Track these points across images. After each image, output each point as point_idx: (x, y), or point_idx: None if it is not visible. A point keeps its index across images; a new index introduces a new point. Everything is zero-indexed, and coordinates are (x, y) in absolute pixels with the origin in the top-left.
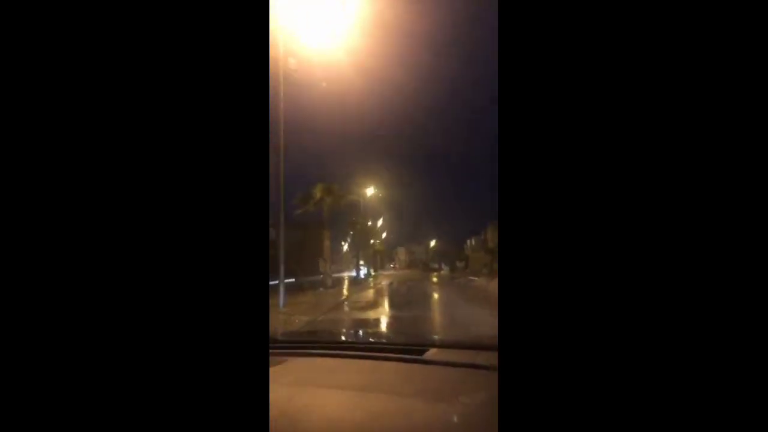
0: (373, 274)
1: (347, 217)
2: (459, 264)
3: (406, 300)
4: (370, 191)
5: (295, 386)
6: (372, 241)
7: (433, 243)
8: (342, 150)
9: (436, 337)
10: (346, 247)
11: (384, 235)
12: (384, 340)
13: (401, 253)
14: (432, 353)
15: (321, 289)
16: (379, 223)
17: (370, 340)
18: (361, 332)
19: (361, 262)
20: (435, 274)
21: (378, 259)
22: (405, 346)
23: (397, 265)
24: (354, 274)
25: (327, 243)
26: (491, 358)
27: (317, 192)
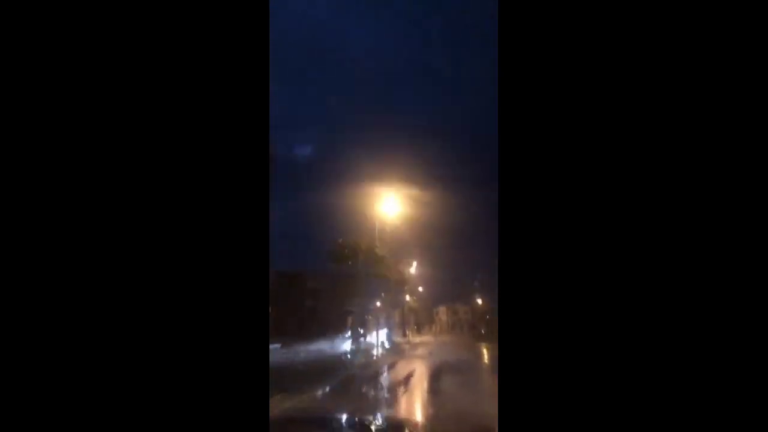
0: (396, 341)
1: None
2: None
3: None
4: (390, 207)
5: None
6: (407, 298)
7: (480, 301)
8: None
9: None
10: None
11: (420, 289)
12: None
13: (442, 313)
14: None
15: None
16: (412, 269)
17: None
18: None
19: (361, 328)
20: (487, 344)
21: (411, 320)
22: None
23: (434, 327)
24: (351, 345)
25: None
26: None
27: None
